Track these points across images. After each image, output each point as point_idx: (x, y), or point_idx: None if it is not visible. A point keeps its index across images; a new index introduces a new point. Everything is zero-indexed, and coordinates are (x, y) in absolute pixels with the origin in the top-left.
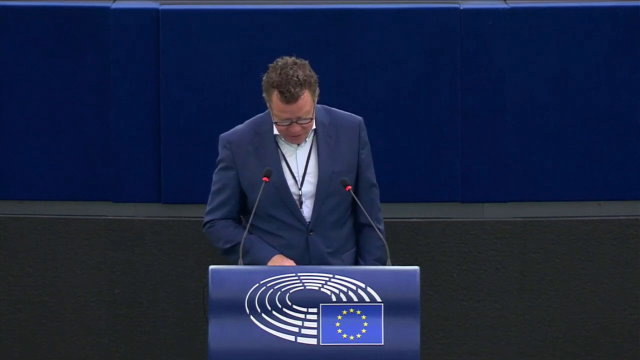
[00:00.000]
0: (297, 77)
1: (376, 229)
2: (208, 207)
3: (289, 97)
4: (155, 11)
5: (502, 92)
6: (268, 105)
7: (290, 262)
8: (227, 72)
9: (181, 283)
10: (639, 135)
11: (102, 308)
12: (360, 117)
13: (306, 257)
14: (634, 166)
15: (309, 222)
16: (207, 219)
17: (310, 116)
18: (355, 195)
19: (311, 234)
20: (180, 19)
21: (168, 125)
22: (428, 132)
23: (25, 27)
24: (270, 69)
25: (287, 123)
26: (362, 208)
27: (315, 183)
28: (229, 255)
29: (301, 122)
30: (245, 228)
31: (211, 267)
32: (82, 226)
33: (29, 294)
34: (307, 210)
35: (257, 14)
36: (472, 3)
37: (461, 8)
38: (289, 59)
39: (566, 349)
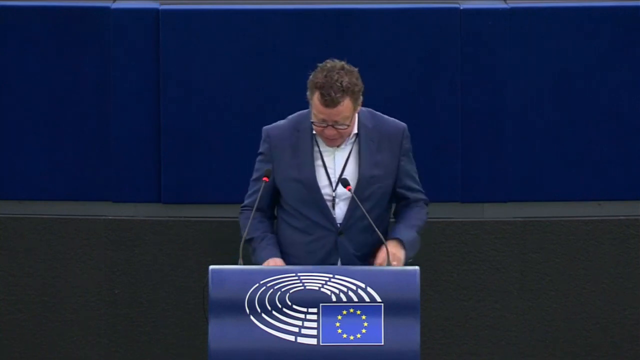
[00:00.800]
0: (341, 83)
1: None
2: (247, 193)
3: (329, 101)
4: (155, 11)
5: (502, 92)
6: (310, 103)
7: (280, 263)
8: (227, 72)
9: (181, 283)
10: (639, 135)
11: (102, 308)
12: (404, 124)
13: (334, 258)
14: (634, 166)
15: (340, 223)
16: (244, 202)
17: (347, 122)
18: (398, 200)
19: (341, 235)
20: (180, 19)
21: (168, 125)
22: (428, 132)
23: (25, 27)
24: (318, 69)
25: (323, 125)
26: (370, 219)
27: (354, 186)
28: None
29: (337, 127)
30: (272, 223)
31: (211, 267)
32: (82, 226)
33: (29, 294)
34: (339, 212)
35: (257, 14)
36: (472, 3)
37: (461, 8)
38: (339, 63)
39: (566, 349)
